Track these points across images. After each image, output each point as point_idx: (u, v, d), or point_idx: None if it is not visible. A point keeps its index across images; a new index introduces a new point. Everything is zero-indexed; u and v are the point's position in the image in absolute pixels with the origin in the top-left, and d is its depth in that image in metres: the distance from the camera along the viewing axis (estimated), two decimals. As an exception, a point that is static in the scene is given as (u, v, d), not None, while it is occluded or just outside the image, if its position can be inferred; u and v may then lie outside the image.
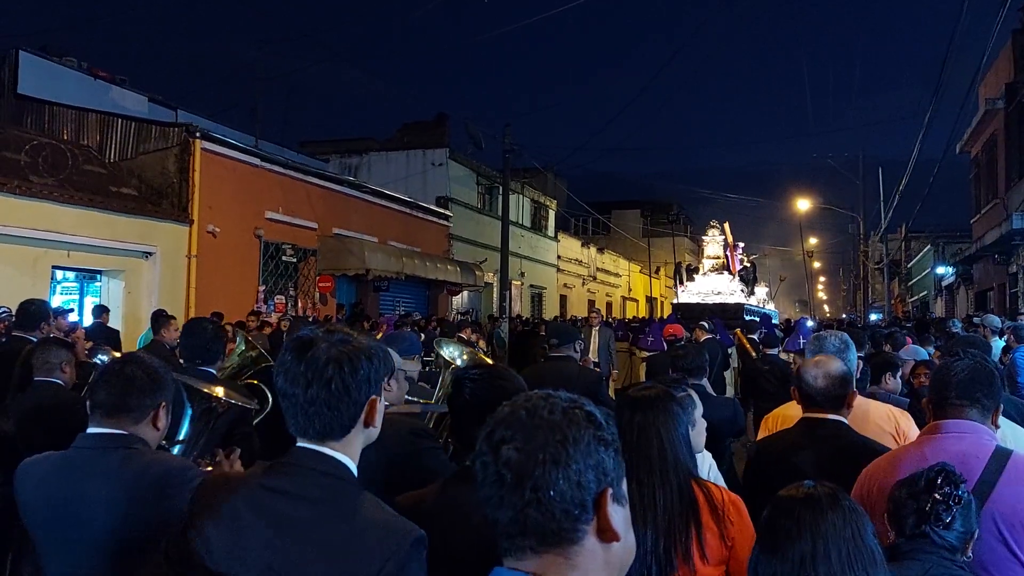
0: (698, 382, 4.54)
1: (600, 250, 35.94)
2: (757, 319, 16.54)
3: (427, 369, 5.09)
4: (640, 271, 41.63)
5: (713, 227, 20.34)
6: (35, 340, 4.85)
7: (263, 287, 14.68)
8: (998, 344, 8.47)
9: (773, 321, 16.41)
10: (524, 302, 26.81)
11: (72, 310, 9.82)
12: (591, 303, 32.89)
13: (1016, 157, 17.87)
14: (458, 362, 3.45)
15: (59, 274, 11.65)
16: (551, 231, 30.27)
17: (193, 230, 13.01)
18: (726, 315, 15.24)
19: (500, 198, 21.63)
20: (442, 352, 3.54)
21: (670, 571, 2.06)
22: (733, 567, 2.10)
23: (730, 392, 10.59)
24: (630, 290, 40.25)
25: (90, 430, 2.11)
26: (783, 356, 9.73)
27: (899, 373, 4.57)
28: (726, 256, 19.86)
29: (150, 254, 12.39)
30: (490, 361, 3.90)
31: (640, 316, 30.85)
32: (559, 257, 30.71)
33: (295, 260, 15.77)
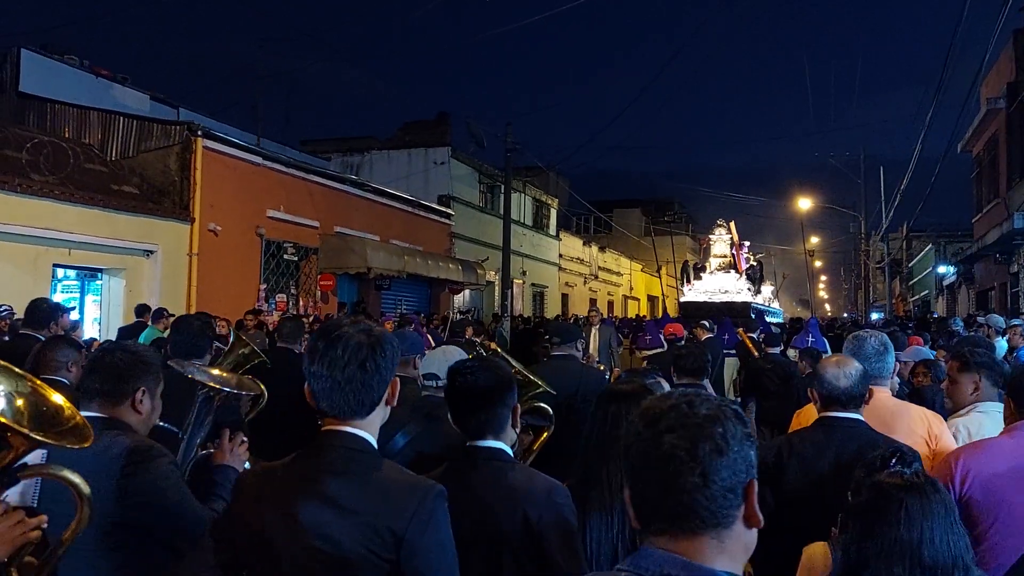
0: (699, 383, 4.54)
1: (602, 249, 35.93)
2: (765, 318, 16.57)
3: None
4: (642, 270, 41.61)
5: (720, 226, 20.30)
6: (42, 339, 4.90)
7: (264, 286, 14.69)
8: (1001, 344, 8.47)
9: (776, 320, 16.43)
10: (526, 301, 26.80)
11: (73, 308, 9.85)
12: (592, 302, 32.89)
13: (1017, 156, 17.85)
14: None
15: (60, 272, 11.66)
16: (553, 230, 30.27)
17: (194, 228, 13.02)
18: (733, 314, 15.23)
19: (502, 197, 21.63)
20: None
21: None
22: None
23: (730, 394, 10.58)
24: (632, 289, 40.22)
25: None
26: (790, 353, 9.75)
27: (896, 372, 4.57)
28: (732, 255, 19.83)
29: (151, 252, 12.40)
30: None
31: (639, 315, 30.82)
32: (561, 256, 30.71)
33: (296, 259, 15.78)
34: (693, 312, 16.30)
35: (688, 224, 45.92)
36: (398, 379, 1.79)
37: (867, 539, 1.67)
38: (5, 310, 7.75)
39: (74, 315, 8.91)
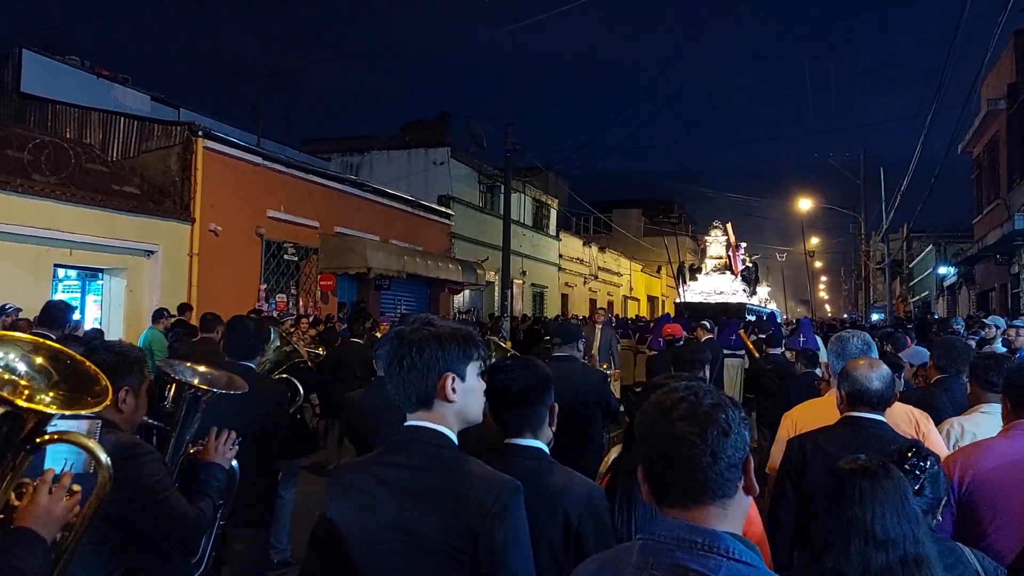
0: (697, 375, 4.58)
1: (601, 249, 35.94)
2: (763, 318, 16.57)
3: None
4: (641, 270, 41.61)
5: (716, 227, 20.37)
6: (54, 338, 5.03)
7: (264, 286, 14.70)
8: (997, 347, 8.46)
9: (777, 320, 16.43)
10: (525, 301, 26.81)
11: (75, 308, 9.85)
12: (593, 302, 32.90)
13: (1018, 157, 17.85)
14: None
15: (61, 272, 11.67)
16: (552, 230, 30.27)
17: (195, 228, 13.03)
18: (728, 315, 15.25)
19: (502, 197, 21.64)
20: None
21: None
22: None
23: (737, 394, 10.59)
24: (631, 289, 40.24)
25: None
26: (786, 354, 9.76)
27: (903, 374, 4.60)
28: (729, 256, 19.89)
29: (152, 252, 12.41)
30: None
31: (642, 316, 30.84)
32: (560, 256, 30.71)
33: (297, 259, 15.79)
34: (689, 313, 16.33)
35: (688, 224, 45.92)
36: (449, 375, 1.86)
37: (828, 518, 1.85)
38: (11, 308, 7.82)
39: (75, 315, 8.92)
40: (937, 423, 3.40)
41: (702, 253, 21.99)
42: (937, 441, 3.18)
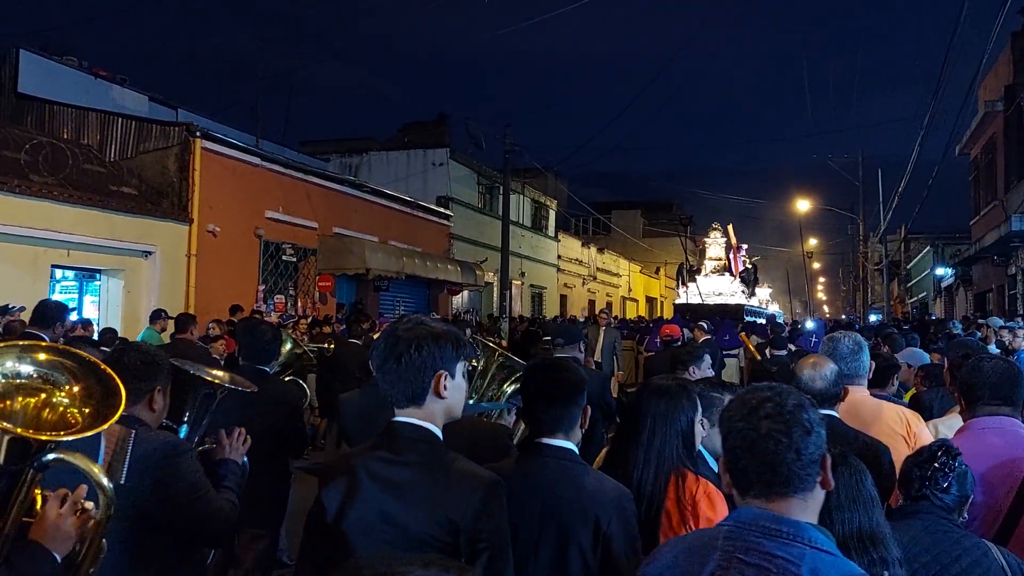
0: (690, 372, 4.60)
1: (600, 250, 35.95)
2: (763, 320, 16.58)
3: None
4: (640, 271, 41.63)
5: (715, 229, 20.40)
6: (46, 338, 5.12)
7: (263, 286, 14.69)
8: (992, 349, 8.48)
9: (780, 322, 16.44)
10: (524, 302, 26.81)
11: (73, 309, 9.86)
12: (592, 303, 32.90)
13: (1015, 159, 17.88)
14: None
15: (58, 273, 11.66)
16: (551, 231, 30.28)
17: (193, 229, 13.02)
18: (726, 316, 15.28)
19: (500, 198, 21.63)
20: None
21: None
22: None
23: None
24: (630, 290, 40.26)
25: None
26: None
27: (898, 375, 4.60)
28: (728, 258, 19.91)
29: (150, 253, 12.40)
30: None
31: (643, 317, 30.86)
32: (559, 257, 30.72)
33: (295, 259, 15.78)
34: (687, 314, 16.35)
35: (687, 226, 45.93)
36: (442, 372, 1.92)
37: None
38: (16, 308, 7.83)
39: (73, 316, 8.91)
40: None
41: (700, 254, 22.01)
42: (927, 441, 3.19)
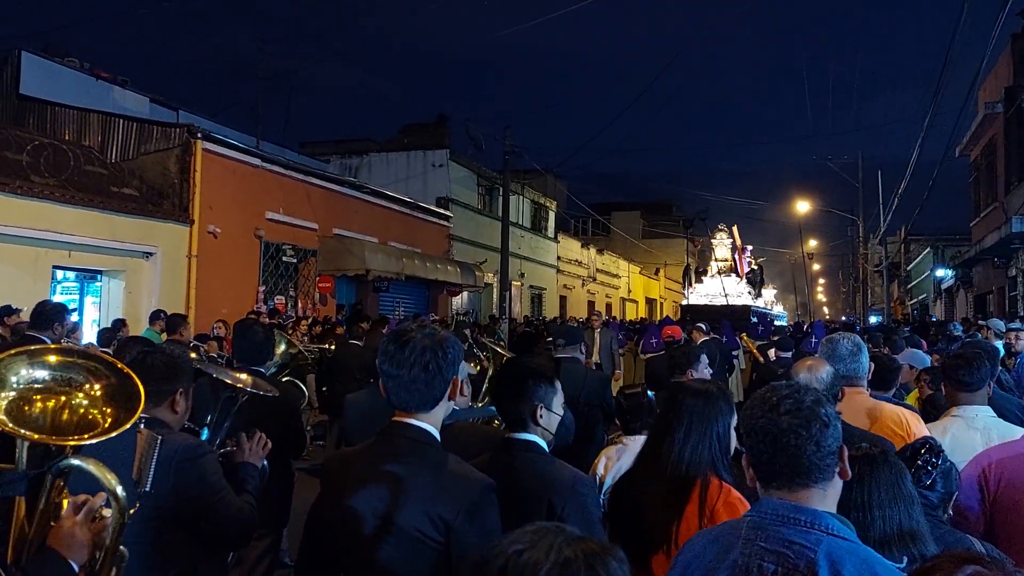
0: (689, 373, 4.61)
1: (600, 251, 35.96)
2: (755, 320, 16.59)
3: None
4: (640, 272, 41.62)
5: (721, 230, 20.39)
6: (46, 340, 5.17)
7: (263, 287, 14.70)
8: (998, 348, 8.47)
9: (781, 323, 16.44)
10: (524, 303, 26.82)
11: (74, 310, 9.87)
12: (591, 304, 32.89)
13: (1015, 160, 17.89)
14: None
15: (60, 274, 11.67)
16: (551, 232, 30.28)
17: (194, 230, 13.03)
18: (733, 317, 15.30)
19: (500, 199, 21.64)
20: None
21: (654, 549, 2.27)
22: None
23: (738, 396, 10.59)
24: (629, 291, 40.25)
25: None
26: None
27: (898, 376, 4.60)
28: (734, 259, 19.90)
29: (151, 254, 12.41)
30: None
31: (642, 318, 30.85)
32: (559, 258, 30.73)
33: (295, 260, 15.79)
34: (694, 315, 16.34)
35: (686, 228, 45.95)
36: (458, 378, 2.00)
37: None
38: (16, 309, 7.84)
39: (73, 316, 8.91)
40: None
41: (701, 256, 22.04)
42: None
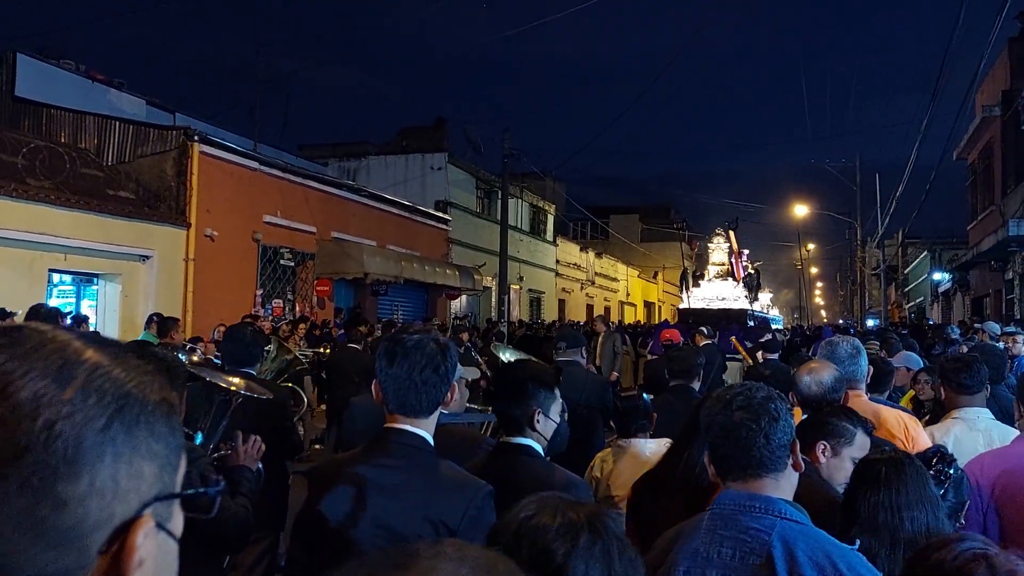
0: (689, 384, 4.60)
1: (599, 254, 35.96)
2: (776, 325, 16.59)
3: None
4: (638, 275, 41.63)
5: (718, 234, 20.39)
6: None
7: (260, 291, 14.66)
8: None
9: (776, 327, 16.46)
10: (523, 306, 26.79)
11: (70, 313, 9.81)
12: (590, 307, 32.88)
13: (1012, 164, 17.91)
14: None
15: (56, 277, 11.63)
16: (550, 235, 30.28)
17: (191, 234, 13.00)
18: (730, 321, 15.31)
19: (499, 202, 21.64)
20: (502, 357, 3.63)
21: None
22: None
23: None
24: (628, 294, 40.26)
25: None
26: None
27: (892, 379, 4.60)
28: (731, 263, 19.90)
29: (147, 258, 12.37)
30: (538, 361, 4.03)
31: (641, 321, 30.85)
32: (558, 261, 30.72)
33: (293, 264, 15.76)
34: (692, 319, 16.34)
35: (685, 231, 45.97)
36: (456, 384, 2.02)
37: (855, 500, 2.05)
38: (11, 312, 7.79)
39: (67, 320, 8.87)
40: None
41: (699, 259, 22.08)
42: (925, 445, 3.18)
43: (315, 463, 2.71)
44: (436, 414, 2.00)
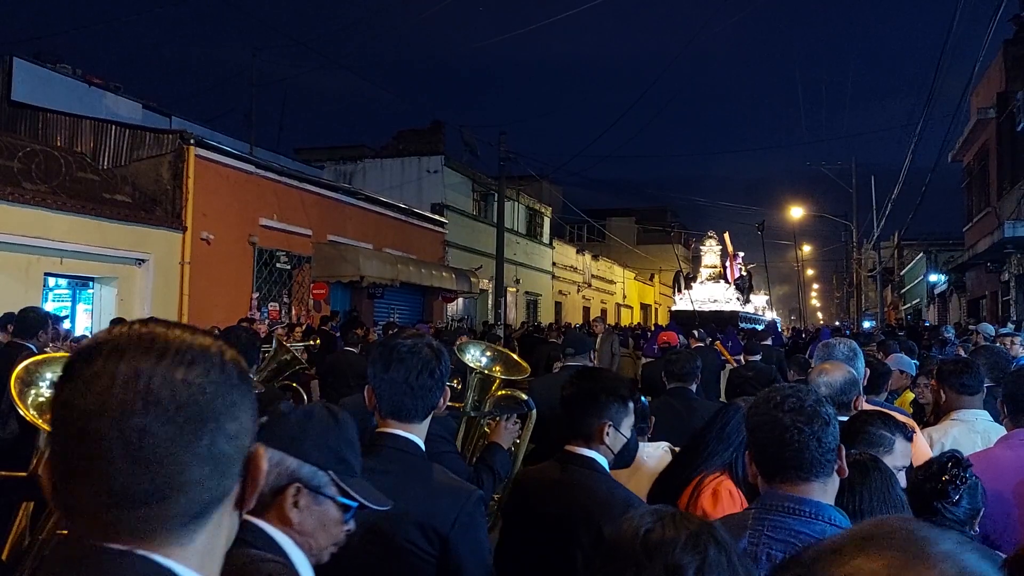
0: (687, 387, 4.60)
1: (595, 257, 35.98)
2: (759, 327, 16.64)
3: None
4: (635, 278, 41.66)
5: (710, 237, 20.51)
6: (32, 347, 5.03)
7: (257, 294, 14.63)
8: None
9: (773, 329, 16.49)
10: (519, 309, 26.79)
11: (66, 317, 9.80)
12: (586, 310, 32.90)
13: (1007, 166, 17.97)
14: (482, 362, 3.50)
15: (51, 281, 11.60)
16: (546, 238, 30.28)
17: (187, 237, 12.98)
18: (721, 322, 15.35)
19: (495, 205, 21.65)
20: (464, 357, 3.57)
21: None
22: None
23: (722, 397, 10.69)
24: (624, 297, 40.28)
25: None
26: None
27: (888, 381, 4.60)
28: (723, 265, 20.00)
29: (143, 261, 12.35)
30: (510, 353, 3.99)
31: (641, 324, 30.87)
32: (554, 264, 30.73)
33: (289, 267, 15.74)
34: (683, 320, 16.38)
35: (681, 232, 46.02)
36: (448, 389, 2.02)
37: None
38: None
39: (66, 324, 8.85)
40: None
41: (696, 262, 22.14)
42: (922, 447, 3.20)
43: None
44: (428, 419, 2.01)
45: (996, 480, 2.61)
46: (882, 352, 6.77)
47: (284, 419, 1.52)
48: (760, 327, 18.94)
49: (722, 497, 2.37)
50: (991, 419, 3.40)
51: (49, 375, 1.86)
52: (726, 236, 20.62)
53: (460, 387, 4.01)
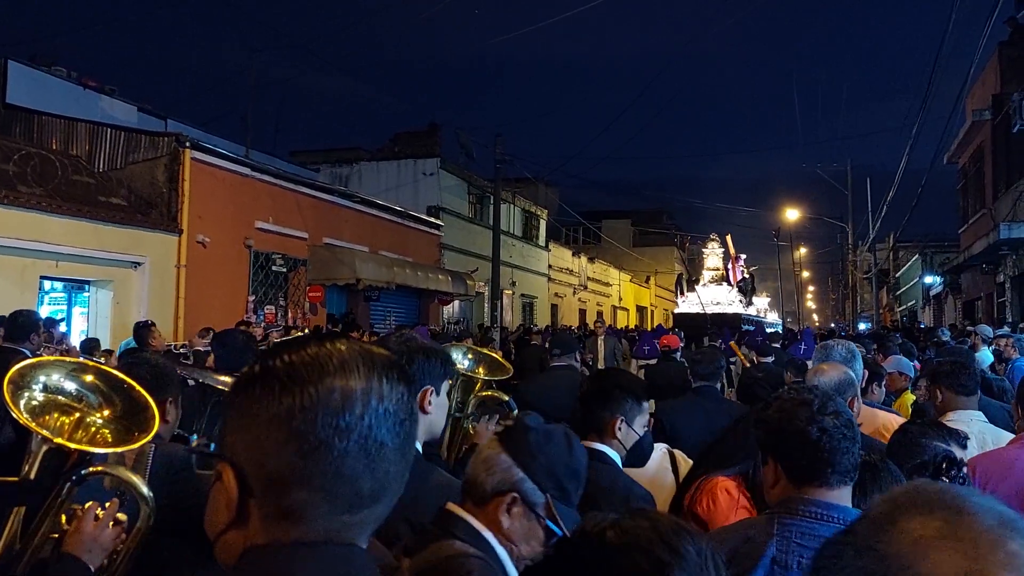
0: (712, 385, 4.63)
1: (591, 259, 35.99)
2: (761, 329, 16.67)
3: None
4: (631, 280, 41.68)
5: (713, 240, 20.55)
6: (25, 351, 4.93)
7: (253, 297, 14.61)
8: (986, 353, 8.52)
9: (768, 330, 16.53)
10: (515, 311, 26.79)
11: (62, 320, 9.77)
12: (582, 312, 32.90)
13: (1003, 167, 18.03)
14: (464, 364, 3.48)
15: (47, 284, 11.56)
16: (542, 240, 30.30)
17: (182, 240, 12.95)
18: (724, 325, 15.39)
19: (491, 207, 21.64)
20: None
21: None
22: None
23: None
24: (620, 299, 40.29)
25: None
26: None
27: (884, 382, 4.61)
28: (725, 268, 20.04)
29: (139, 264, 12.32)
30: (494, 354, 3.97)
31: (636, 325, 30.90)
32: (550, 266, 30.73)
33: (285, 270, 15.71)
34: (686, 323, 16.39)
35: (677, 235, 46.06)
36: (430, 388, 1.96)
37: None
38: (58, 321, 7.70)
39: (61, 327, 8.82)
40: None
41: (690, 263, 22.19)
42: None
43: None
44: (419, 419, 2.00)
45: (1005, 480, 2.62)
46: (881, 353, 6.79)
47: (526, 432, 1.59)
48: (775, 329, 19.01)
49: (719, 498, 2.36)
50: (986, 420, 3.42)
51: (43, 378, 1.84)
52: (728, 238, 20.69)
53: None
